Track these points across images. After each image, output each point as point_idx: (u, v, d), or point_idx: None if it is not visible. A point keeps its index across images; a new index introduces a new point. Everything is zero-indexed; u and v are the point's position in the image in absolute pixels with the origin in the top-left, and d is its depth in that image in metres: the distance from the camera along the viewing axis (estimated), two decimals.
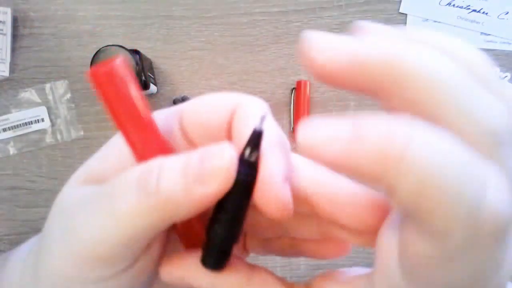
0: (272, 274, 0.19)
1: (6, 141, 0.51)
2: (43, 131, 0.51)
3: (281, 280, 0.19)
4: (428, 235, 0.13)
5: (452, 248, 0.13)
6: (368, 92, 0.14)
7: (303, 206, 0.18)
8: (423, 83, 0.12)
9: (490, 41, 0.52)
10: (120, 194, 0.17)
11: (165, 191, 0.16)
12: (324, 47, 0.13)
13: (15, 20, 0.51)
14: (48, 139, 0.52)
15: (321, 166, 0.17)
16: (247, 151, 0.16)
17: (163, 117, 0.20)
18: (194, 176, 0.16)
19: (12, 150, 0.51)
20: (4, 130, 0.51)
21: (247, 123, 0.17)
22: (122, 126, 0.18)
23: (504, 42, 0.52)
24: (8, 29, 0.50)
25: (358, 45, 0.13)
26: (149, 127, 0.18)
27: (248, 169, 0.16)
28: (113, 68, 0.17)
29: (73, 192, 0.19)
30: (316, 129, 0.13)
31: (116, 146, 0.19)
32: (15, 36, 0.51)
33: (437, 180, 0.12)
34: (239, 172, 0.16)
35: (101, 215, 0.17)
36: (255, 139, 0.16)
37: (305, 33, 0.13)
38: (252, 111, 0.18)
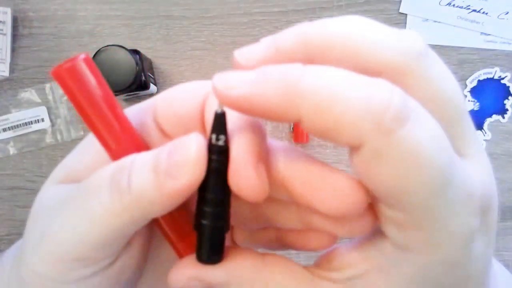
0: (281, 255, 0.19)
1: (6, 141, 0.51)
2: (43, 131, 0.51)
3: (291, 260, 0.19)
4: (353, 152, 0.14)
5: (373, 147, 0.14)
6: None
7: (280, 191, 0.17)
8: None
9: (490, 41, 0.52)
10: (93, 194, 0.17)
11: (137, 188, 0.16)
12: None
13: (15, 20, 0.51)
14: (48, 139, 0.52)
15: (297, 148, 0.17)
16: (213, 136, 0.16)
17: (136, 112, 0.19)
18: (164, 171, 0.16)
19: (12, 150, 0.51)
20: (4, 130, 0.51)
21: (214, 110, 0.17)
22: (91, 124, 0.18)
23: (504, 42, 0.52)
24: (8, 29, 0.50)
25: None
26: (120, 123, 0.18)
27: (219, 155, 0.16)
28: (75, 65, 0.17)
29: (50, 192, 0.19)
30: (227, 77, 0.15)
31: (92, 144, 0.19)
32: (15, 36, 0.51)
33: (330, 94, 0.13)
34: (210, 160, 0.16)
35: (76, 216, 0.17)
36: (219, 122, 0.16)
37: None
38: None
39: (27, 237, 0.19)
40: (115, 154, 0.18)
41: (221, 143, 0.16)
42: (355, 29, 0.15)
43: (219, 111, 0.16)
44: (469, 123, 0.16)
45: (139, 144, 0.18)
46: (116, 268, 0.18)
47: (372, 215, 0.16)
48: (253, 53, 0.16)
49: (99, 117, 0.17)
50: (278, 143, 0.18)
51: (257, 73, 0.15)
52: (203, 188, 0.16)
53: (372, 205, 0.16)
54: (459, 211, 0.15)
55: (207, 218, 0.17)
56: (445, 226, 0.15)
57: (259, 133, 0.17)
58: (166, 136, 0.19)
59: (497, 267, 0.22)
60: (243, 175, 0.15)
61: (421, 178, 0.14)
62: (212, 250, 0.17)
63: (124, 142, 0.18)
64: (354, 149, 0.14)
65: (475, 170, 0.16)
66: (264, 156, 0.16)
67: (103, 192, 0.16)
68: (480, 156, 0.16)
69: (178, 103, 0.19)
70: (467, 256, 0.15)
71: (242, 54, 0.16)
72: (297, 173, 0.16)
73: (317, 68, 0.14)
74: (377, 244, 0.17)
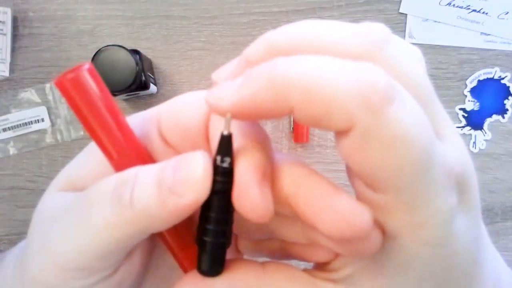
0: (281, 262, 0.19)
1: (6, 141, 0.51)
2: (43, 131, 0.51)
3: (291, 265, 0.19)
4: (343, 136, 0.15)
5: (362, 128, 0.14)
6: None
7: (285, 207, 0.17)
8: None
9: (490, 41, 0.52)
10: (94, 206, 0.16)
11: (139, 204, 0.16)
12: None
13: (15, 20, 0.51)
14: (48, 139, 0.52)
15: (304, 164, 0.17)
16: (218, 158, 0.16)
17: (140, 121, 0.19)
18: (168, 188, 0.16)
19: (12, 150, 0.51)
20: (4, 130, 0.51)
21: (219, 126, 0.17)
22: (94, 135, 0.18)
23: (504, 42, 0.52)
24: (8, 29, 0.50)
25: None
26: (123, 134, 0.18)
27: (223, 177, 0.16)
28: (79, 75, 0.17)
29: (52, 200, 0.19)
30: (216, 90, 0.16)
31: (94, 151, 0.19)
32: (15, 36, 0.51)
33: (317, 78, 0.14)
34: (215, 181, 0.16)
35: (77, 227, 0.17)
36: (224, 144, 0.16)
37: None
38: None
39: (29, 245, 0.19)
40: (118, 164, 0.18)
41: (225, 165, 0.16)
42: (317, 29, 0.16)
43: (225, 133, 0.16)
44: (440, 105, 0.17)
45: (142, 154, 0.18)
46: (117, 279, 0.18)
47: (379, 235, 0.16)
48: (226, 70, 0.17)
49: (102, 128, 0.17)
50: (285, 157, 0.17)
51: (243, 77, 0.15)
52: (206, 206, 0.16)
53: (378, 225, 0.16)
54: (439, 189, 0.15)
55: (209, 235, 0.17)
56: (427, 206, 0.15)
57: (264, 150, 0.17)
58: (170, 147, 0.19)
59: (506, 269, 0.22)
60: (247, 197, 0.15)
61: (409, 157, 0.14)
62: (212, 264, 0.18)
63: (127, 152, 0.18)
64: (343, 133, 0.14)
65: (451, 150, 0.16)
66: (269, 174, 0.16)
67: (105, 204, 0.16)
68: (454, 135, 0.17)
69: (182, 115, 0.18)
70: (450, 234, 0.16)
71: (217, 73, 0.17)
72: (301, 192, 0.16)
73: (300, 57, 0.14)
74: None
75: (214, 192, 0.16)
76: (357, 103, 0.13)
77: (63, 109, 0.52)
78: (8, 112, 0.51)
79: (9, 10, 0.49)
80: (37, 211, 0.19)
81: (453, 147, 0.16)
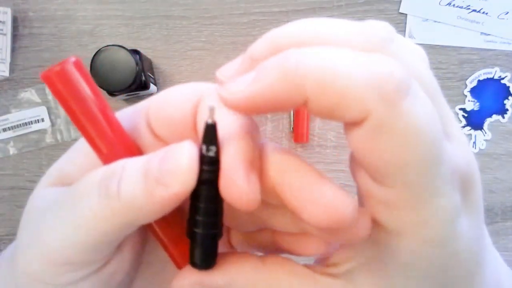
0: (280, 256, 0.19)
1: (6, 141, 0.51)
2: (43, 131, 0.51)
3: (291, 259, 0.19)
4: (357, 129, 0.14)
5: (376, 120, 0.14)
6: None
7: (273, 196, 0.17)
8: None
9: (490, 41, 0.52)
10: (82, 199, 0.16)
11: (126, 195, 0.16)
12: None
13: (15, 20, 0.51)
14: (48, 139, 0.52)
15: (292, 153, 0.17)
16: (204, 148, 0.16)
17: (129, 115, 0.19)
18: (155, 178, 0.15)
19: (12, 150, 0.51)
20: (4, 130, 0.51)
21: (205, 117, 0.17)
22: (82, 128, 0.17)
23: (504, 42, 0.52)
24: (8, 29, 0.50)
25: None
26: (111, 128, 0.18)
27: (210, 166, 0.16)
28: (65, 68, 0.17)
29: (42, 194, 0.19)
30: (229, 85, 0.15)
31: (83, 146, 0.19)
32: (15, 36, 0.51)
33: (332, 68, 0.14)
34: (202, 170, 0.16)
35: (65, 220, 0.17)
36: (210, 133, 0.16)
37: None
38: (210, 102, 0.17)
39: (19, 239, 0.19)
40: (106, 158, 0.18)
41: (211, 154, 0.16)
42: (320, 27, 0.16)
43: (209, 121, 0.16)
44: (446, 104, 0.17)
45: (131, 148, 0.18)
46: (107, 272, 0.18)
47: (367, 223, 0.16)
48: (231, 68, 0.17)
49: (89, 122, 0.17)
50: (272, 145, 0.17)
51: (256, 70, 0.15)
52: (195, 196, 0.16)
53: (364, 212, 0.16)
54: (445, 187, 0.15)
55: (200, 227, 0.17)
56: (432, 203, 0.15)
57: (251, 139, 0.16)
58: (159, 139, 0.19)
59: (506, 269, 0.22)
60: (233, 186, 0.15)
61: (420, 151, 0.14)
62: (205, 256, 0.18)
63: (115, 146, 0.18)
64: (355, 124, 0.14)
65: (457, 149, 0.16)
66: (256, 162, 0.16)
67: (92, 197, 0.16)
68: (460, 135, 0.17)
69: (170, 107, 0.18)
70: (453, 233, 0.16)
71: (221, 72, 0.17)
72: (287, 181, 0.16)
73: (314, 48, 0.14)
74: (371, 236, 0.17)
75: (201, 182, 0.16)
76: (373, 94, 0.13)
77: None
78: (8, 112, 0.51)
79: (9, 10, 0.49)
80: (27, 206, 0.19)
81: (460, 146, 0.16)
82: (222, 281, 0.18)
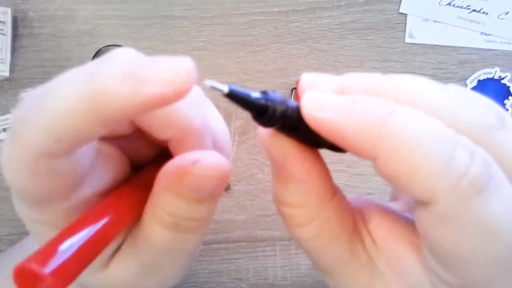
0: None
1: None
2: None
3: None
4: (418, 203, 0.14)
5: (444, 209, 0.13)
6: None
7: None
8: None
9: (490, 41, 0.52)
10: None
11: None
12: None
13: (15, 20, 0.51)
14: None
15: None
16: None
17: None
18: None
19: None
20: (4, 130, 0.51)
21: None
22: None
23: (504, 42, 0.52)
24: (8, 29, 0.50)
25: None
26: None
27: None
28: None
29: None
30: (318, 96, 0.15)
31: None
32: (15, 36, 0.51)
33: (413, 140, 0.13)
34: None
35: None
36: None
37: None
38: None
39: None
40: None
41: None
42: (429, 90, 0.15)
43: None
44: None
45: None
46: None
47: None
48: (318, 79, 0.17)
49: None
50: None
51: (348, 101, 0.15)
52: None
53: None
54: None
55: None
56: None
57: None
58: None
59: None
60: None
61: (490, 252, 0.13)
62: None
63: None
64: (422, 204, 0.14)
65: None
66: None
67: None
68: None
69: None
70: None
71: (308, 80, 0.17)
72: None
73: (406, 110, 0.14)
74: None
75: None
76: (444, 182, 0.13)
77: None
78: (8, 112, 0.51)
79: (9, 10, 0.49)
80: None
81: None
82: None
